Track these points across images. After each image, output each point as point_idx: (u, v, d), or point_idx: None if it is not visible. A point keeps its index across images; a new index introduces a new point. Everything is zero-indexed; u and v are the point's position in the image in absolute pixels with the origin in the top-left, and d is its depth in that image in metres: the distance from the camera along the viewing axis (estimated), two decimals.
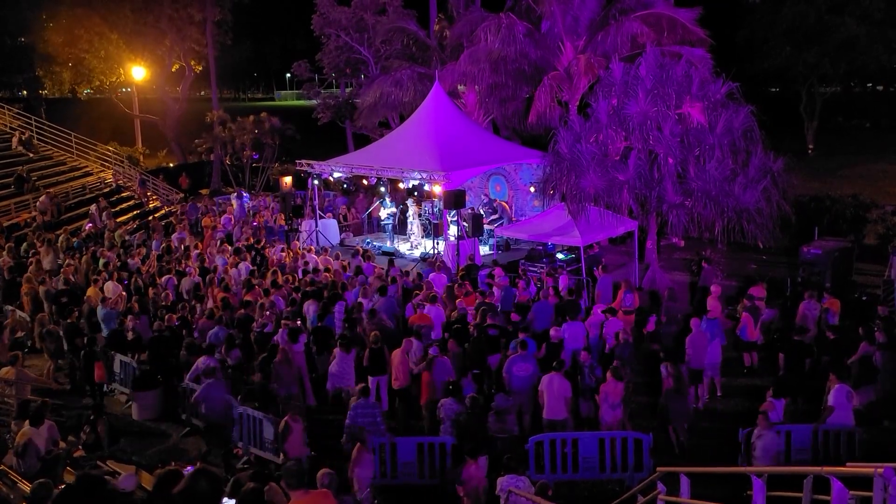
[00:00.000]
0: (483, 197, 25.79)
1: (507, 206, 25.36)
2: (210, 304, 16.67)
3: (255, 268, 19.91)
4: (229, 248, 21.90)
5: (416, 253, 23.58)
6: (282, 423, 10.56)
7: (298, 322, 15.14)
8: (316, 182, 25.21)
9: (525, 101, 25.79)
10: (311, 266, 19.52)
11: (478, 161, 23.03)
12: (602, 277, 17.79)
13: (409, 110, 27.90)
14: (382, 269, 19.06)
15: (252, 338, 14.80)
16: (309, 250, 21.92)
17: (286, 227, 26.45)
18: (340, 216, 28.29)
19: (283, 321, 14.78)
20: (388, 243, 24.69)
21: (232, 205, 30.21)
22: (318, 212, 25.64)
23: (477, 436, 10.78)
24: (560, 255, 20.73)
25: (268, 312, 15.42)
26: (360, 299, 16.06)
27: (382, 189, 25.82)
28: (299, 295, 16.74)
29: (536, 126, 24.67)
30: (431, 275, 18.19)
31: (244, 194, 31.81)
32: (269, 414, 12.19)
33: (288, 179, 30.70)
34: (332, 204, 29.90)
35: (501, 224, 24.17)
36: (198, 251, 21.44)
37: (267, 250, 21.93)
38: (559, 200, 19.74)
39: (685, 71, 18.05)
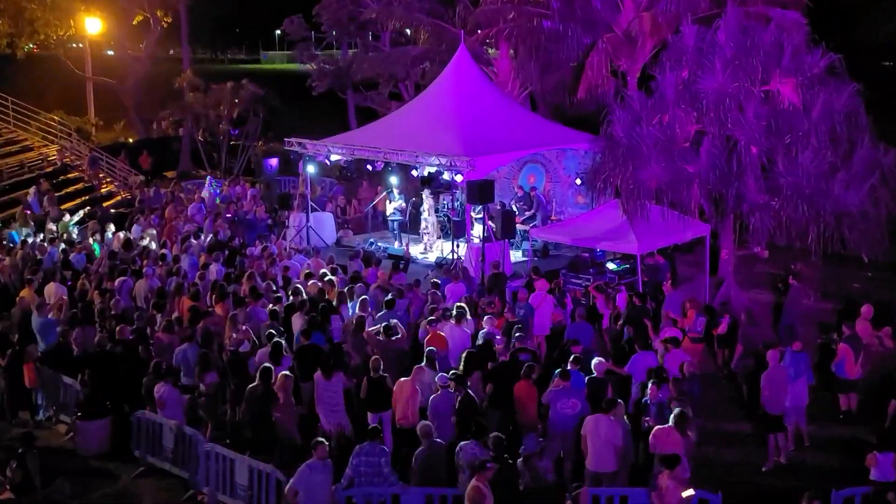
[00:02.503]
0: (516, 190, 25.74)
1: (542, 200, 25.24)
2: (175, 315, 16.74)
3: (230, 271, 20.01)
4: (194, 242, 22.02)
5: (431, 257, 23.58)
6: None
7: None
8: (310, 168, 25.26)
9: (573, 70, 25.71)
10: (293, 271, 19.52)
11: (511, 145, 23.02)
12: (671, 295, 17.69)
13: (426, 79, 28.04)
14: (386, 275, 19.08)
15: (224, 359, 14.83)
16: (297, 250, 21.96)
17: (270, 221, 26.49)
18: (338, 209, 28.32)
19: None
20: (396, 244, 24.73)
21: (206, 191, 30.31)
22: (310, 203, 25.70)
23: (507, 490, 10.71)
24: (611, 266, 20.66)
25: (244, 327, 15.42)
26: (358, 313, 16.08)
27: (394, 178, 25.80)
28: (282, 307, 16.77)
29: (586, 102, 24.62)
30: (448, 286, 18.21)
31: (215, 181, 31.91)
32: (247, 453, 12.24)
33: (274, 161, 30.81)
34: (327, 194, 29.95)
35: (537, 224, 24.12)
36: (167, 250, 21.52)
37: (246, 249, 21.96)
38: (611, 196, 19.69)
39: (775, 38, 17.98)
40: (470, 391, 12.99)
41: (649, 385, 12.83)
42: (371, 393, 13.48)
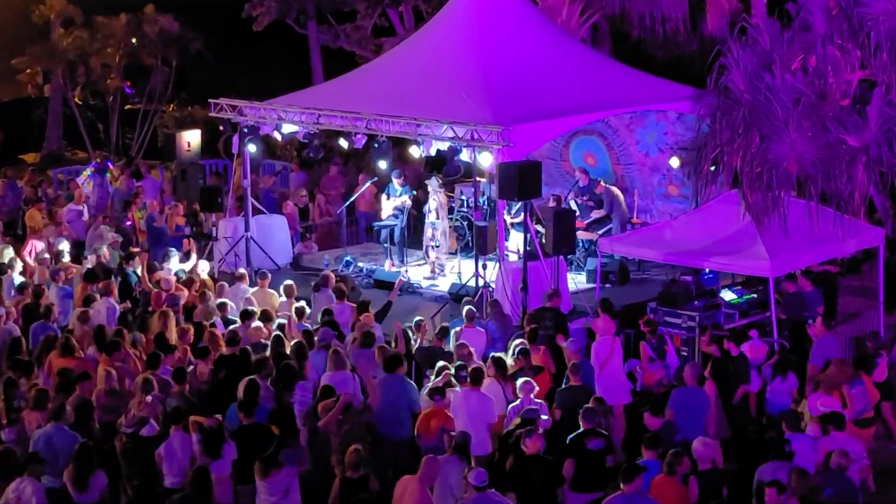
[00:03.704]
0: (578, 176, 25.64)
1: (618, 193, 25.20)
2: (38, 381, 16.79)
3: (128, 308, 20.13)
4: (73, 268, 22.15)
5: (442, 284, 23.72)
6: None
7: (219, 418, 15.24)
8: (251, 147, 25.31)
9: None
10: (230, 309, 19.68)
11: (566, 106, 23.08)
12: (821, 339, 17.78)
13: (434, 5, 28.12)
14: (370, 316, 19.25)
15: (118, 446, 14.87)
16: (238, 276, 22.01)
17: (188, 230, 26.54)
18: (296, 211, 28.34)
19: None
20: (388, 265, 24.82)
21: (86, 185, 30.40)
22: (250, 201, 25.77)
23: None
24: (728, 295, 20.74)
25: (148, 398, 15.54)
26: (328, 376, 16.23)
27: (383, 162, 25.83)
28: (209, 367, 16.99)
29: (683, 39, 24.72)
30: (462, 329, 18.35)
31: (106, 165, 32.00)
32: None
33: (193, 137, 30.89)
34: (278, 187, 30.02)
35: (610, 230, 24.16)
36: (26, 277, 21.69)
37: (155, 276, 22.11)
38: (726, 187, 19.84)
39: None
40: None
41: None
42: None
